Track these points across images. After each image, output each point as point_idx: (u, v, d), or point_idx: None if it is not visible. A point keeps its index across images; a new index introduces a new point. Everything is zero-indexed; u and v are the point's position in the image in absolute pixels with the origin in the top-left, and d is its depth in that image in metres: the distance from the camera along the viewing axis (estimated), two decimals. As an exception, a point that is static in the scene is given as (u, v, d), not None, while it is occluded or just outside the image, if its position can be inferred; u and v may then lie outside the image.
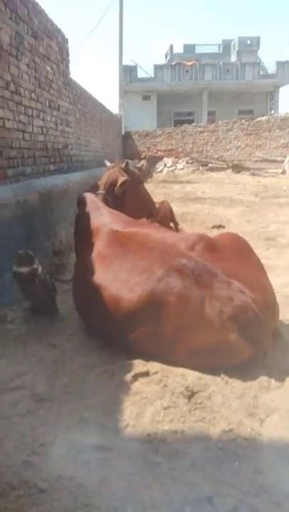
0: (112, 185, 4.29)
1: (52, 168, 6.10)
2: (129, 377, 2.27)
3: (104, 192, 4.20)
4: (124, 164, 4.67)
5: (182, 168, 19.74)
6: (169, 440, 1.79)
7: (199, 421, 1.91)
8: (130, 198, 4.37)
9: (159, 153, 21.12)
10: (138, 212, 4.50)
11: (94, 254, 2.85)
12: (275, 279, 3.76)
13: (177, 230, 5.86)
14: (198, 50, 34.97)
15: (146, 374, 2.29)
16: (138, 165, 15.69)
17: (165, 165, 20.29)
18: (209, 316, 2.19)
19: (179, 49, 34.92)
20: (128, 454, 1.73)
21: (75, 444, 1.78)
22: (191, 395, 2.09)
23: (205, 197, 10.88)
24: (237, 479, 1.59)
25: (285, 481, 1.59)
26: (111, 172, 4.47)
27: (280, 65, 29.56)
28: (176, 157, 20.73)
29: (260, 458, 1.69)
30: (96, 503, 1.48)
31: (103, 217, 3.22)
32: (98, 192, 4.21)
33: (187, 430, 1.85)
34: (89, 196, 3.68)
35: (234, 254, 2.62)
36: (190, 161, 20.22)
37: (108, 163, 4.80)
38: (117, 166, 4.61)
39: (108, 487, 1.55)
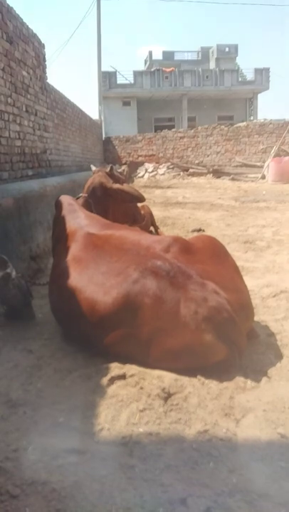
0: (95, 189, 4.27)
1: (30, 173, 6.06)
2: (105, 380, 2.25)
3: (86, 195, 4.17)
4: (108, 169, 4.66)
5: (163, 174, 19.83)
6: (143, 442, 1.77)
7: (175, 422, 1.90)
8: (114, 203, 4.35)
9: (139, 158, 21.20)
10: (122, 218, 4.49)
11: (69, 257, 2.83)
12: (253, 281, 3.82)
13: (158, 233, 5.88)
14: (177, 56, 35.33)
15: (122, 377, 2.28)
16: (119, 170, 15.70)
17: (146, 170, 20.36)
18: (184, 317, 2.19)
19: (158, 55, 35.24)
20: (102, 457, 1.70)
21: (48, 448, 1.75)
22: (167, 396, 2.08)
23: (186, 201, 10.94)
24: (211, 480, 1.58)
25: (258, 481, 1.59)
26: (95, 176, 4.45)
27: (258, 71, 30.01)
28: (156, 162, 20.84)
29: (234, 458, 1.69)
30: (69, 508, 1.46)
31: (79, 220, 3.20)
32: (80, 195, 4.19)
33: (162, 432, 1.84)
34: (66, 199, 3.65)
35: (209, 256, 2.62)
36: (171, 167, 20.33)
37: (94, 168, 4.79)
38: (101, 171, 4.59)
39: (81, 491, 1.53)
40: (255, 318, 2.80)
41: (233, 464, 1.66)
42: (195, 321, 2.17)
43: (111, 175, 4.58)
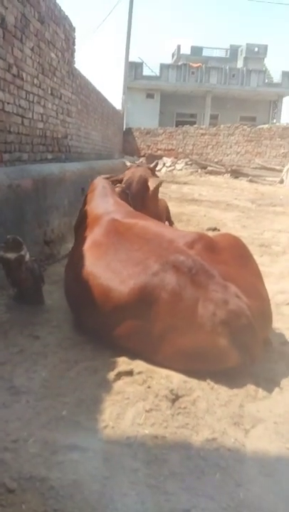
0: (137, 183, 4.15)
1: (49, 156, 5.98)
2: (112, 375, 2.18)
3: (124, 186, 4.06)
4: (153, 165, 4.54)
5: (181, 169, 19.66)
6: (148, 445, 1.70)
7: (182, 427, 1.82)
8: (151, 202, 4.25)
9: (158, 152, 21.04)
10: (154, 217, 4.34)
11: (89, 241, 2.75)
12: (267, 286, 3.68)
13: (171, 229, 5.77)
14: (205, 52, 34.96)
15: (129, 373, 2.21)
16: (137, 162, 15.59)
17: (164, 164, 20.21)
18: (201, 317, 2.10)
19: (186, 50, 34.89)
20: (105, 457, 1.64)
21: (49, 442, 1.69)
22: (175, 398, 2.01)
23: (202, 199, 10.82)
24: (217, 492, 1.51)
25: (266, 498, 1.51)
26: (138, 170, 4.33)
27: (286, 74, 29.58)
28: (175, 157, 20.67)
29: (242, 471, 1.61)
30: (67, 508, 1.39)
31: (107, 206, 3.13)
32: (118, 185, 4.09)
33: (168, 436, 1.76)
34: (101, 182, 3.58)
35: (233, 257, 2.53)
36: (189, 163, 20.16)
37: (128, 162, 4.66)
38: (143, 166, 4.47)
39: (81, 491, 1.46)
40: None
41: (241, 477, 1.58)
42: (212, 323, 2.08)
43: (153, 172, 4.45)
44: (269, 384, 2.21)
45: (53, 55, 5.96)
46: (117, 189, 3.93)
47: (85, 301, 2.52)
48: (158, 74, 28.90)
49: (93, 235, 2.80)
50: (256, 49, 32.79)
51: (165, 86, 28.72)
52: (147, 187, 4.15)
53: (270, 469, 1.64)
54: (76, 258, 2.76)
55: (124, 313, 2.29)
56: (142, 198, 4.09)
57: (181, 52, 34.65)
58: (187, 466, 1.60)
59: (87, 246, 2.73)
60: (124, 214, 2.98)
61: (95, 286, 2.43)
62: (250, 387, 2.14)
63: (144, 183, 4.16)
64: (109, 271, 2.43)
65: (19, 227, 3.70)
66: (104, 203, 3.19)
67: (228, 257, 2.49)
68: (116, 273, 2.39)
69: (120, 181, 4.23)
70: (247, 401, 2.05)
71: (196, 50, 34.74)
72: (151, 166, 4.49)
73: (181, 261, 2.26)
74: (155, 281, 2.23)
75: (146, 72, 28.98)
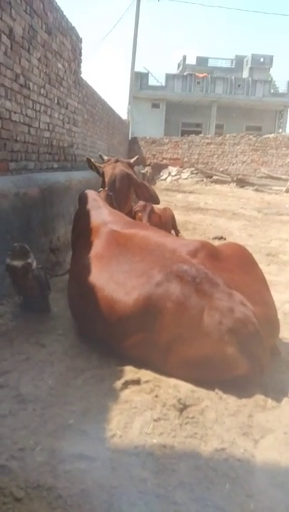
0: (121, 180, 4.14)
1: (55, 165, 6.01)
2: (119, 384, 2.16)
3: (107, 189, 4.05)
4: (134, 159, 4.53)
5: (186, 178, 19.70)
6: (157, 454, 1.68)
7: (190, 437, 1.80)
8: (131, 195, 4.28)
9: (164, 161, 21.10)
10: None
11: (91, 254, 2.75)
12: (275, 296, 3.65)
13: (178, 237, 5.76)
14: (210, 63, 35.11)
15: (137, 382, 2.19)
16: (143, 171, 15.64)
17: (170, 173, 20.26)
18: (207, 326, 2.08)
19: (191, 60, 35.04)
20: (112, 466, 1.61)
21: (56, 451, 1.67)
22: (183, 408, 1.99)
23: (207, 208, 10.82)
24: (227, 503, 1.48)
25: (278, 509, 1.48)
26: (117, 166, 4.30)
27: (292, 85, 29.69)
28: (181, 166, 20.71)
29: (252, 482, 1.59)
30: (74, 518, 1.37)
31: (103, 217, 3.12)
32: (100, 189, 4.08)
33: (177, 445, 1.74)
34: (91, 194, 3.57)
35: (237, 265, 2.51)
36: (195, 172, 20.19)
37: (105, 157, 4.61)
38: (121, 161, 4.44)
39: (89, 501, 1.44)
40: (277, 335, 2.68)
41: (251, 488, 1.56)
42: (218, 332, 2.06)
43: (132, 166, 4.44)
44: (278, 394, 2.18)
45: (59, 65, 6.02)
46: (102, 194, 3.90)
47: (89, 313, 2.52)
48: (163, 84, 29.08)
49: (94, 247, 2.80)
50: (262, 59, 32.94)
51: (171, 96, 28.86)
52: (130, 183, 4.17)
53: (280, 480, 1.62)
54: (78, 271, 2.76)
55: (130, 324, 2.28)
56: (126, 195, 4.11)
57: (187, 62, 34.83)
58: (196, 476, 1.58)
59: (89, 258, 2.72)
60: (122, 224, 2.98)
61: (99, 298, 2.43)
62: (259, 397, 2.12)
63: (126, 179, 4.16)
64: (113, 282, 2.42)
65: (26, 234, 3.70)
66: (99, 215, 3.18)
67: (233, 265, 2.48)
68: (120, 284, 2.38)
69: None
70: (256, 411, 2.03)
71: (202, 61, 34.93)
72: (131, 161, 4.49)
73: (184, 270, 2.25)
74: (159, 292, 2.22)
75: (151, 82, 29.15)
